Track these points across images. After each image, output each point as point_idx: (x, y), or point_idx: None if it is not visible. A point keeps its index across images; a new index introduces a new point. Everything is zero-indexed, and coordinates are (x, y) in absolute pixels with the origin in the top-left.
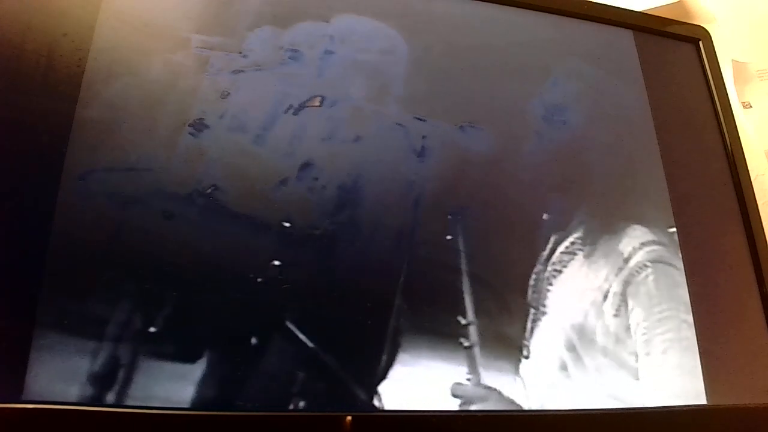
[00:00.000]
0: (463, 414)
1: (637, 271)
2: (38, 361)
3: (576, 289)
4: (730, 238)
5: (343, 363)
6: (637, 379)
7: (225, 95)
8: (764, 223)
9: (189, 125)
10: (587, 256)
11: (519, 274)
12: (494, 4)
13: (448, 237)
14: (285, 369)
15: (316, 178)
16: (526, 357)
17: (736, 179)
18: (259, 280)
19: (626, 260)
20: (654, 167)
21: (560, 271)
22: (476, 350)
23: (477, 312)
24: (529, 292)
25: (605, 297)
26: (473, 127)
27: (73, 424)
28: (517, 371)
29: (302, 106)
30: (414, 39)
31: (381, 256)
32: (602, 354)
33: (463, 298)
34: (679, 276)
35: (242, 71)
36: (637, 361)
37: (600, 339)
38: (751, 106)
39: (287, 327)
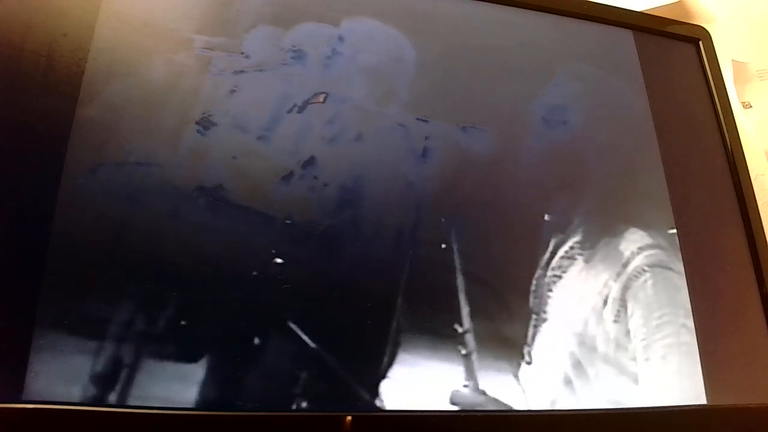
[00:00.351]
0: (463, 414)
1: (636, 276)
2: (38, 361)
3: (576, 295)
4: (730, 238)
5: (343, 362)
6: (637, 384)
7: (228, 95)
8: (764, 223)
9: (195, 123)
10: (587, 261)
11: (519, 276)
12: (495, 5)
13: (449, 238)
14: (285, 368)
15: (316, 177)
16: (528, 363)
17: (736, 179)
18: (259, 276)
19: (625, 265)
20: (654, 167)
21: (560, 276)
22: (475, 354)
23: (477, 314)
24: (531, 297)
25: (605, 302)
26: (475, 128)
27: (73, 424)
28: (517, 376)
29: (306, 104)
30: (416, 40)
31: (382, 256)
32: (603, 360)
33: (464, 300)
34: (678, 279)
35: (245, 72)
36: (637, 366)
37: (600, 345)
38: (751, 106)
39: (288, 327)
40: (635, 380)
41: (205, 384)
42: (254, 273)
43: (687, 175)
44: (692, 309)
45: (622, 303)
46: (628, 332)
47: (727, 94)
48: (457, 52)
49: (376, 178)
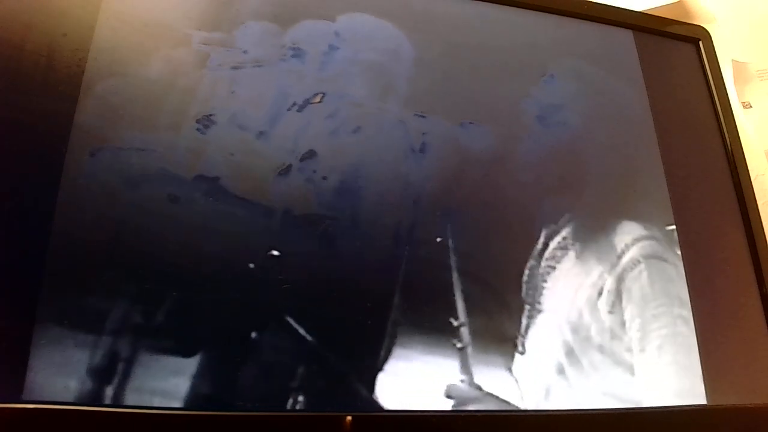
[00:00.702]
0: (462, 414)
1: (630, 267)
2: (38, 361)
3: (570, 286)
4: (730, 237)
5: (339, 357)
6: (633, 375)
7: (227, 92)
8: (764, 223)
9: (196, 120)
10: (581, 252)
11: (516, 272)
12: (494, 4)
13: (445, 232)
14: (282, 362)
15: (315, 170)
16: (522, 353)
17: (736, 179)
18: (256, 270)
19: (620, 256)
20: (654, 167)
21: (554, 267)
22: (471, 347)
23: (474, 310)
24: (524, 288)
25: (600, 293)
26: (473, 125)
27: (73, 424)
28: (511, 368)
29: (306, 103)
30: (415, 38)
31: (379, 251)
32: (598, 351)
33: (459, 296)
34: (673, 271)
35: (243, 67)
36: (633, 357)
37: (596, 336)
38: (751, 106)
39: (285, 321)
40: (631, 371)
41: (204, 380)
42: (251, 265)
43: (687, 175)
44: (692, 309)
45: (617, 294)
46: (623, 323)
47: (727, 94)
48: (456, 51)
49: (373, 173)
